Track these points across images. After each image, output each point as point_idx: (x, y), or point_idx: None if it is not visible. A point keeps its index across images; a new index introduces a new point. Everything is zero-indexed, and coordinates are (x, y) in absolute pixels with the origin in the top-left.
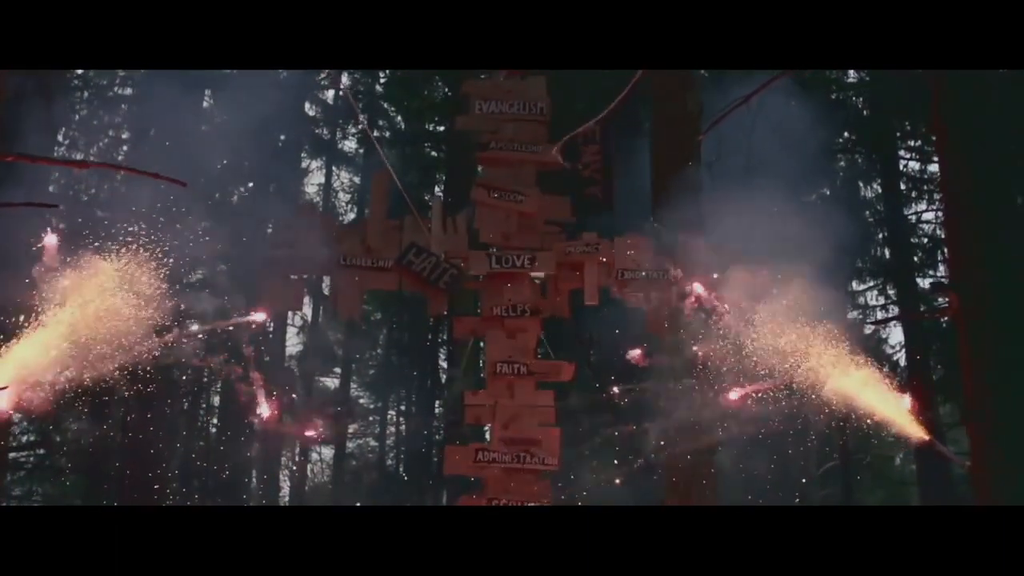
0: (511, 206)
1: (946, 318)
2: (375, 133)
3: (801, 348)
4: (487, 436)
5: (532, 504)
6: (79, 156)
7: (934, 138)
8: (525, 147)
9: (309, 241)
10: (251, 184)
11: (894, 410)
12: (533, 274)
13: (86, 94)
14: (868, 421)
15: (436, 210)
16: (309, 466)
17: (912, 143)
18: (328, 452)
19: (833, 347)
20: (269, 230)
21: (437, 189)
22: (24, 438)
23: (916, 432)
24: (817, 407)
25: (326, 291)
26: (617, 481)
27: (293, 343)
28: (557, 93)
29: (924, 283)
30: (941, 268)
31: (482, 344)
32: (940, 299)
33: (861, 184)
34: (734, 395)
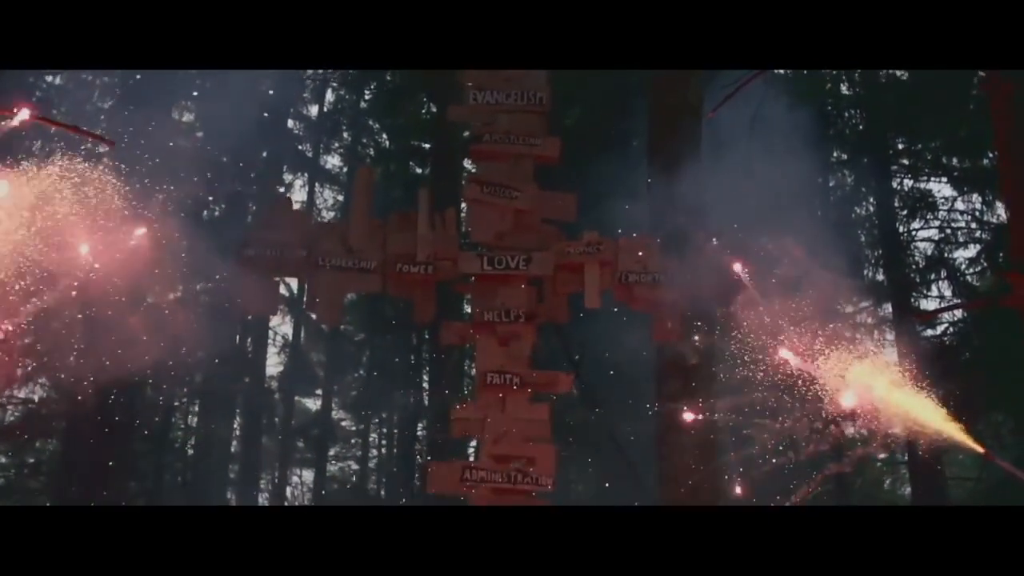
0: (505, 203)
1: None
2: (359, 149)
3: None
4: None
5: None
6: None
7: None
8: (522, 140)
9: (285, 240)
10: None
11: (947, 423)
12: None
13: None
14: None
15: (423, 203)
16: (289, 489)
17: (906, 161)
18: (308, 475)
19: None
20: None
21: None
22: None
23: (973, 445)
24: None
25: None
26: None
27: (273, 363)
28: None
29: (922, 304)
30: (942, 286)
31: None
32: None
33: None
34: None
